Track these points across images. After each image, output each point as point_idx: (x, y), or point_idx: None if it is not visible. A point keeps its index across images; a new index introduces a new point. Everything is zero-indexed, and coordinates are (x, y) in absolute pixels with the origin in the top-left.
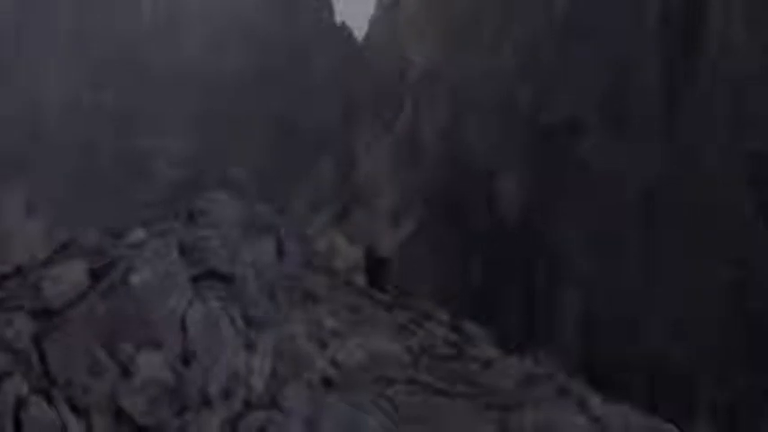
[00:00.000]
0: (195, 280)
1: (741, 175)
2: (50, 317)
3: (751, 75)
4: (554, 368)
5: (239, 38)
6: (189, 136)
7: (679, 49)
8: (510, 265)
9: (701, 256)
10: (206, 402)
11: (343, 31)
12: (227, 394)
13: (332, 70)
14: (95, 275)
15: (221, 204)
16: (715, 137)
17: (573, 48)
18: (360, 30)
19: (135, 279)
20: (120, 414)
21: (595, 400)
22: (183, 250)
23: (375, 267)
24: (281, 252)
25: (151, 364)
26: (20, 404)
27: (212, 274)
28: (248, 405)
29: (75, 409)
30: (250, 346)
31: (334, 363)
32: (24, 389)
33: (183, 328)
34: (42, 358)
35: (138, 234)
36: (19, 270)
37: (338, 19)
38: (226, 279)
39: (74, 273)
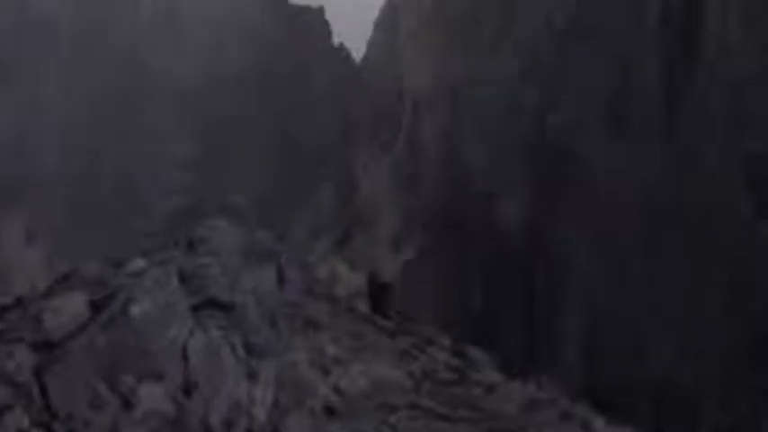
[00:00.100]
0: (195, 309)
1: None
2: (51, 349)
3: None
4: (557, 392)
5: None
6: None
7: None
8: (512, 288)
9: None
10: None
11: (341, 52)
12: (229, 425)
13: (330, 89)
14: (96, 306)
15: (221, 232)
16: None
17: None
18: (357, 51)
19: (135, 310)
20: None
21: (599, 423)
22: (183, 278)
23: (378, 293)
24: (281, 279)
25: (152, 396)
26: None
27: (213, 303)
28: None
29: None
30: (252, 375)
31: (336, 390)
32: (25, 422)
33: (185, 358)
34: (43, 391)
35: (138, 263)
36: (19, 301)
37: (336, 40)
38: (226, 307)
39: (74, 304)
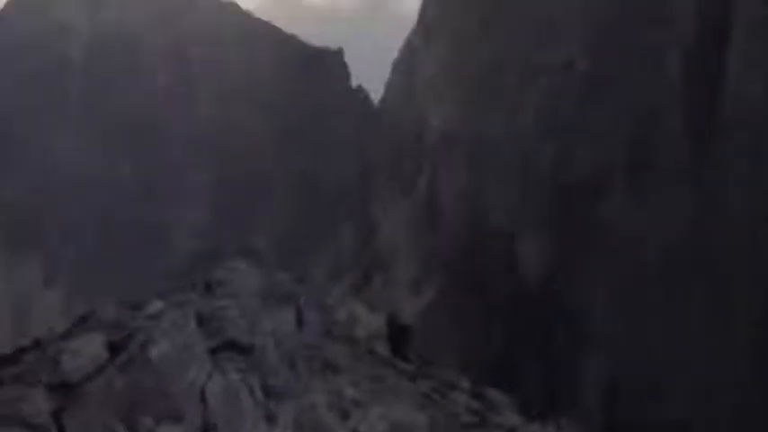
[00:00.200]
0: (214, 351)
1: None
2: (69, 391)
3: None
4: None
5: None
6: (207, 204)
7: (701, 101)
8: (531, 330)
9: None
10: None
11: (360, 94)
12: None
13: (349, 131)
14: (114, 348)
15: (240, 274)
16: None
17: (593, 101)
18: (376, 93)
19: (153, 352)
20: None
21: None
22: (202, 321)
23: (397, 335)
24: (300, 321)
25: None
26: None
27: (231, 345)
28: None
29: None
30: (270, 418)
31: None
32: None
33: (203, 400)
34: None
35: (156, 305)
36: (37, 343)
37: (354, 82)
38: (245, 350)
39: (92, 346)
